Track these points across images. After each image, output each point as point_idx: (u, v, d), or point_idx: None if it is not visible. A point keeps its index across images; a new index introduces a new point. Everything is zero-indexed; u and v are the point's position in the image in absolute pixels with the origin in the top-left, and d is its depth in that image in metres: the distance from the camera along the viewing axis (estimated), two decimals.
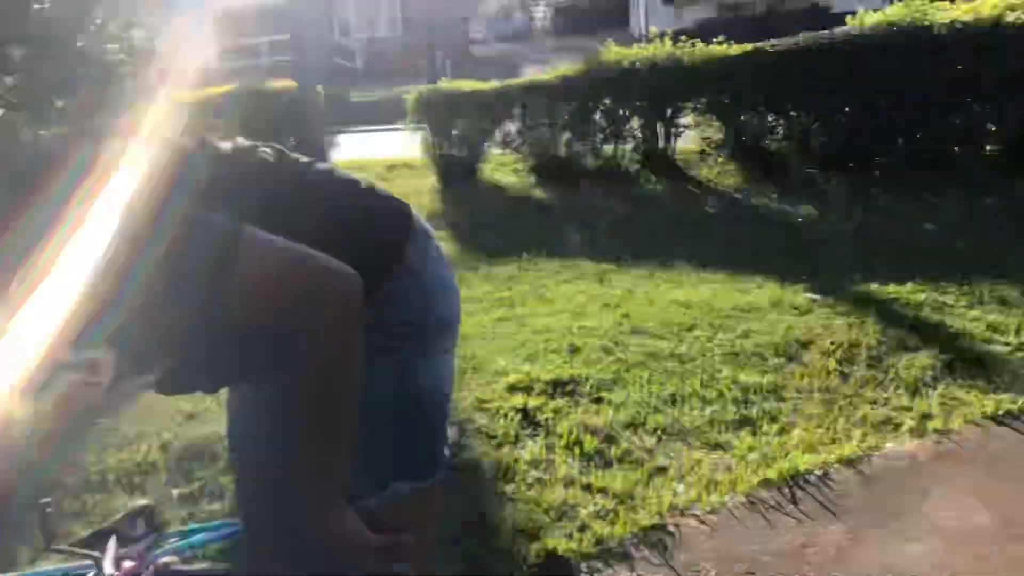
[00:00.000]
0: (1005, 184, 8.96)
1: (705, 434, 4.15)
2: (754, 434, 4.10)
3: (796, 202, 9.31)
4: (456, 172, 12.45)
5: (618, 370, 5.03)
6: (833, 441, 3.91)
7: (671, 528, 3.33)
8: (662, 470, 3.81)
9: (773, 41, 10.40)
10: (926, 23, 9.47)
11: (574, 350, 5.41)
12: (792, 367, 4.85)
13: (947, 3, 9.86)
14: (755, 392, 4.55)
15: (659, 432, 4.19)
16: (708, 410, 4.39)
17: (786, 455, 3.80)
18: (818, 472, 3.65)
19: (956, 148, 9.89)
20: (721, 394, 4.56)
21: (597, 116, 11.66)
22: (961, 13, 9.42)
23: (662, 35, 11.28)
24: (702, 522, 3.37)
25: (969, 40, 9.26)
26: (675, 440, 4.11)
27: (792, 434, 4.03)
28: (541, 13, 56.83)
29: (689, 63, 10.68)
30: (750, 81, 10.40)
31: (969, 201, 8.56)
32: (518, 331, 6.04)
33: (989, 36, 9.16)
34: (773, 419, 4.23)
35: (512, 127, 12.64)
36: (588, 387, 4.80)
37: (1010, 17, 9.10)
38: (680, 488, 3.63)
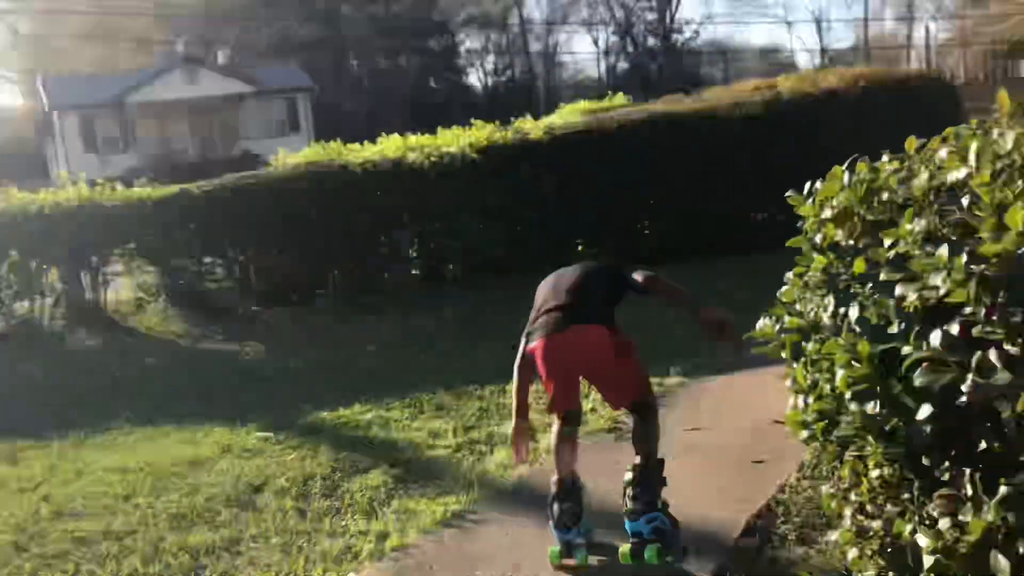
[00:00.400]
0: (431, 302, 9.92)
1: None
2: None
3: (244, 341, 9.09)
4: None
5: (33, 569, 4.08)
6: None
7: None
8: None
9: (200, 183, 10.27)
10: (342, 162, 10.24)
11: None
12: (247, 516, 4.44)
13: (358, 145, 10.85)
14: (207, 553, 4.04)
15: None
16: None
17: None
18: None
19: (386, 274, 10.74)
20: (168, 566, 3.95)
21: (3, 271, 10.14)
22: (371, 153, 10.41)
23: (74, 180, 10.40)
24: None
25: (381, 176, 10.24)
26: None
27: None
28: None
29: (110, 206, 9.96)
30: (179, 223, 10.09)
31: (404, 320, 9.25)
32: None
33: (392, 173, 10.25)
34: None
35: None
36: None
37: (410, 157, 10.30)
38: None
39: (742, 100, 10.66)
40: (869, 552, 1.61)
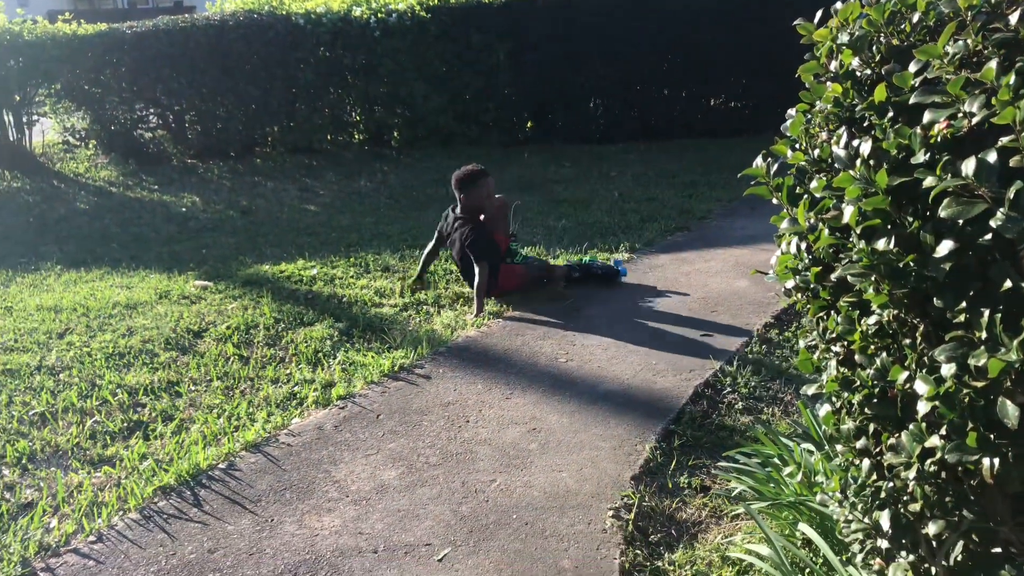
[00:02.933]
0: (373, 167, 9.67)
1: (86, 451, 3.43)
2: (147, 439, 3.52)
3: (179, 192, 8.73)
4: None
5: None
6: (236, 429, 3.54)
7: (40, 575, 2.60)
8: (28, 506, 3.01)
9: (130, 23, 9.62)
10: (283, 11, 9.68)
11: None
12: (187, 359, 4.35)
13: None
14: (146, 393, 3.96)
15: (23, 462, 3.34)
16: (89, 423, 3.66)
17: (185, 454, 3.31)
18: (223, 465, 3.24)
19: (328, 135, 10.37)
20: (105, 402, 3.86)
21: None
22: (314, 4, 9.85)
23: None
24: (86, 556, 2.70)
25: (325, 30, 9.72)
26: (47, 466, 3.31)
27: (191, 430, 3.55)
28: None
29: (32, 40, 9.28)
30: (109, 65, 9.49)
31: (346, 183, 9.01)
32: None
33: (336, 27, 9.75)
34: (168, 418, 3.69)
35: None
36: None
37: (356, 12, 9.79)
38: (53, 523, 2.89)
39: None
40: (851, 404, 1.61)
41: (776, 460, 2.63)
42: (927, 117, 1.35)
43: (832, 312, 1.69)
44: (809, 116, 1.72)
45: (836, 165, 1.50)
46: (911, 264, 1.34)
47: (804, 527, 2.31)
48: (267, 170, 9.62)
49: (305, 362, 4.26)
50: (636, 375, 3.96)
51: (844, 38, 1.55)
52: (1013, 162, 1.21)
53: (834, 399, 1.74)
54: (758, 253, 5.98)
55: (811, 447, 2.60)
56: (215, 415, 3.69)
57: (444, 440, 3.35)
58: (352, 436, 3.42)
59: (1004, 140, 1.23)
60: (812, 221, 1.61)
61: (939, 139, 1.33)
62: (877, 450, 1.63)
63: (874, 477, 1.61)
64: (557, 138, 10.71)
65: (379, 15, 9.84)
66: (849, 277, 1.46)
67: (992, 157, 1.22)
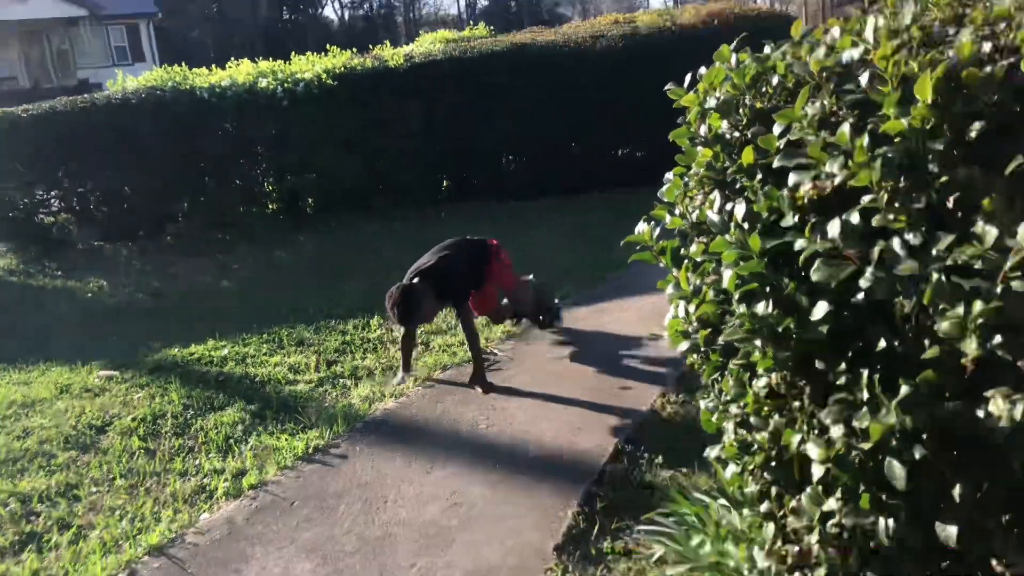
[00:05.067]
0: (287, 237, 9.51)
1: None
2: (40, 552, 3.28)
3: (84, 277, 8.42)
4: None
5: None
6: (140, 532, 3.34)
7: None
8: None
9: (25, 106, 9.34)
10: (187, 86, 9.54)
11: None
12: (88, 458, 4.11)
13: (205, 70, 10.11)
14: (41, 500, 3.71)
15: None
16: None
17: (81, 567, 3.10)
18: (123, 575, 3.04)
19: (240, 208, 10.19)
20: None
21: None
22: (219, 79, 9.74)
23: None
24: None
25: (231, 103, 9.61)
26: None
27: (90, 538, 3.33)
28: None
29: None
30: (5, 150, 9.17)
31: (260, 256, 8.82)
32: None
33: (242, 100, 9.66)
34: (65, 526, 3.46)
35: None
36: None
37: (262, 83, 9.72)
38: None
39: (601, 33, 10.60)
40: (752, 467, 1.57)
41: (695, 519, 2.58)
42: (792, 179, 1.34)
43: (725, 374, 1.66)
44: (686, 179, 1.72)
45: (711, 229, 1.48)
46: (791, 327, 1.31)
47: None
48: (179, 248, 9.37)
49: (215, 450, 4.07)
50: (557, 435, 3.89)
51: (711, 102, 1.55)
52: (875, 221, 1.20)
53: (735, 462, 1.70)
54: None
55: (728, 504, 2.56)
56: (117, 518, 3.47)
57: (361, 525, 3.22)
58: (264, 529, 3.25)
59: (865, 200, 1.23)
60: (696, 284, 1.59)
61: (806, 200, 1.32)
62: (781, 513, 1.60)
63: (779, 544, 1.56)
64: (474, 198, 10.73)
65: (286, 85, 9.77)
66: (735, 341, 1.43)
67: (855, 218, 1.21)
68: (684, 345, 1.75)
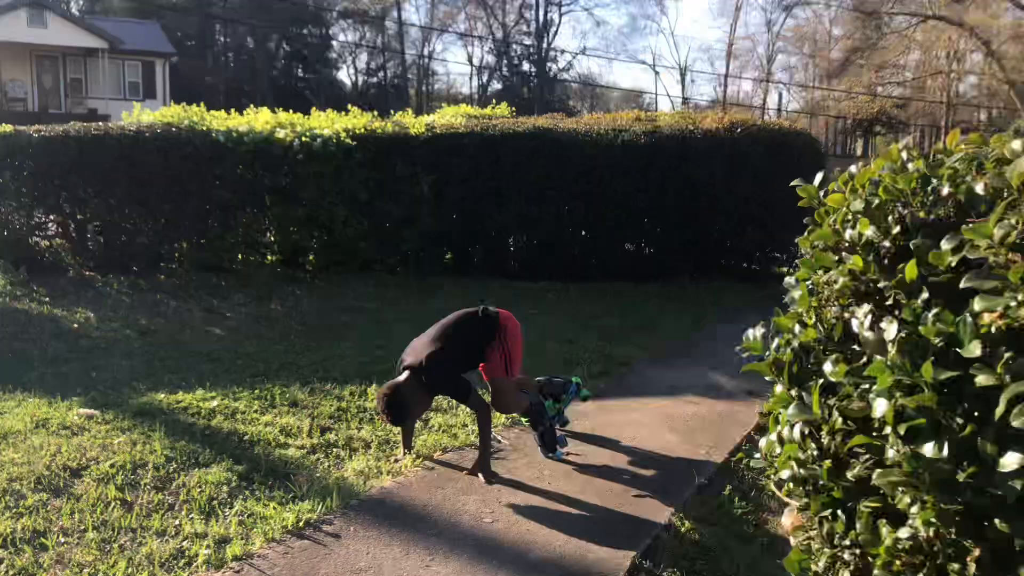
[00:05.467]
0: (284, 291, 9.29)
1: None
2: None
3: (72, 306, 8.14)
4: None
5: None
6: None
7: None
8: None
9: (38, 126, 9.20)
10: (204, 128, 9.45)
11: None
12: (59, 503, 3.81)
13: (223, 113, 10.05)
14: (4, 544, 3.40)
15: None
16: None
17: None
18: None
19: (240, 256, 10.00)
20: None
21: None
22: (237, 123, 9.67)
23: None
24: None
25: (246, 150, 9.52)
26: None
27: None
28: None
29: None
30: (11, 168, 9.00)
31: (254, 306, 8.59)
32: None
33: (258, 148, 9.58)
34: None
35: None
36: None
37: (279, 133, 9.66)
38: None
39: (624, 127, 10.68)
40: None
41: None
42: (979, 305, 1.17)
43: (838, 513, 1.46)
44: (812, 287, 1.55)
45: (863, 349, 1.30)
46: (969, 478, 1.13)
47: None
48: (172, 288, 9.13)
49: (197, 511, 3.78)
50: (568, 541, 3.64)
51: (858, 205, 1.40)
52: None
53: None
54: (683, 406, 5.83)
55: None
56: None
57: None
58: None
59: None
60: (826, 411, 1.40)
61: (993, 330, 1.15)
62: None
63: None
64: (476, 272, 10.60)
65: (304, 139, 9.71)
66: (879, 482, 1.24)
67: None
68: (787, 472, 1.55)
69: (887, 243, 1.39)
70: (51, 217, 9.60)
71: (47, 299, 8.40)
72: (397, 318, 8.21)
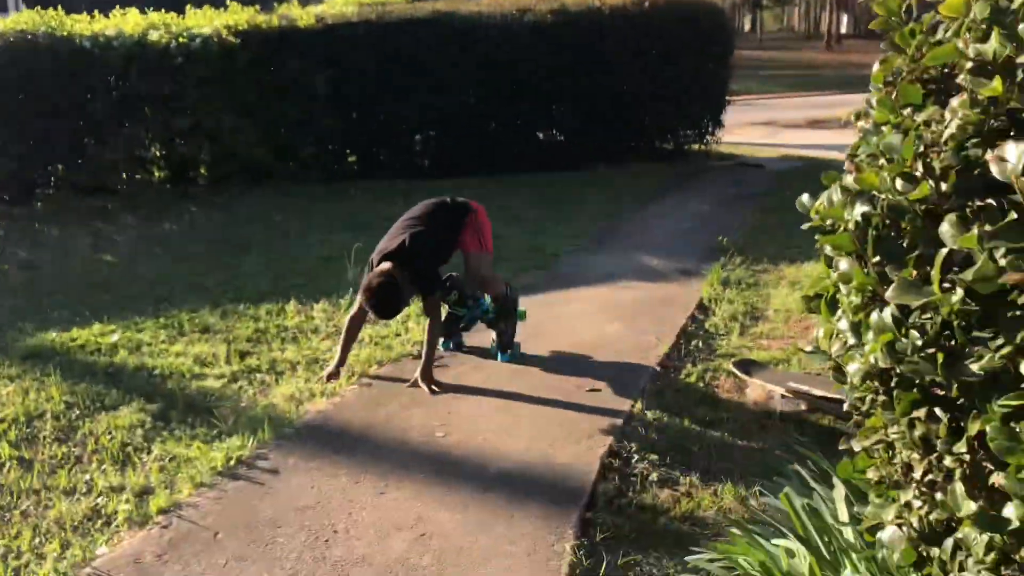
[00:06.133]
0: (176, 208, 8.57)
1: None
2: None
3: None
4: None
5: None
6: (18, 574, 2.60)
7: None
8: None
9: None
10: (66, 33, 8.44)
11: None
12: None
13: (86, 16, 9.00)
14: None
15: None
16: None
17: None
18: None
19: (124, 174, 9.17)
20: None
21: None
22: (104, 27, 8.68)
23: None
24: None
25: (117, 56, 8.59)
26: None
27: None
28: None
29: None
30: None
31: (145, 227, 7.88)
32: None
33: (130, 53, 8.66)
34: None
35: None
36: None
37: (152, 35, 8.73)
38: None
39: (528, 7, 10.07)
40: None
41: (753, 569, 2.10)
42: None
43: (937, 412, 1.16)
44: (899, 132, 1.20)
45: (1004, 202, 0.97)
46: None
47: None
48: (52, 215, 8.28)
49: (110, 461, 3.33)
50: (530, 447, 3.36)
51: (983, 9, 1.04)
52: None
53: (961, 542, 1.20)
54: (620, 291, 5.61)
55: (791, 544, 2.09)
56: None
57: (309, 564, 2.59)
58: (184, 569, 2.58)
59: None
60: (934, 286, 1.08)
61: None
62: None
63: None
64: (384, 174, 10.02)
65: (180, 40, 8.79)
66: None
67: None
68: (853, 367, 1.24)
69: None
70: None
71: None
72: (305, 228, 7.67)
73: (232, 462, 3.27)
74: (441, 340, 4.40)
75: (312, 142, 9.86)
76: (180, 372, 4.25)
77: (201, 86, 9.02)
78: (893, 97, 1.22)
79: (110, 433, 3.57)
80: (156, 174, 9.73)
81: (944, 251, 1.06)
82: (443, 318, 4.28)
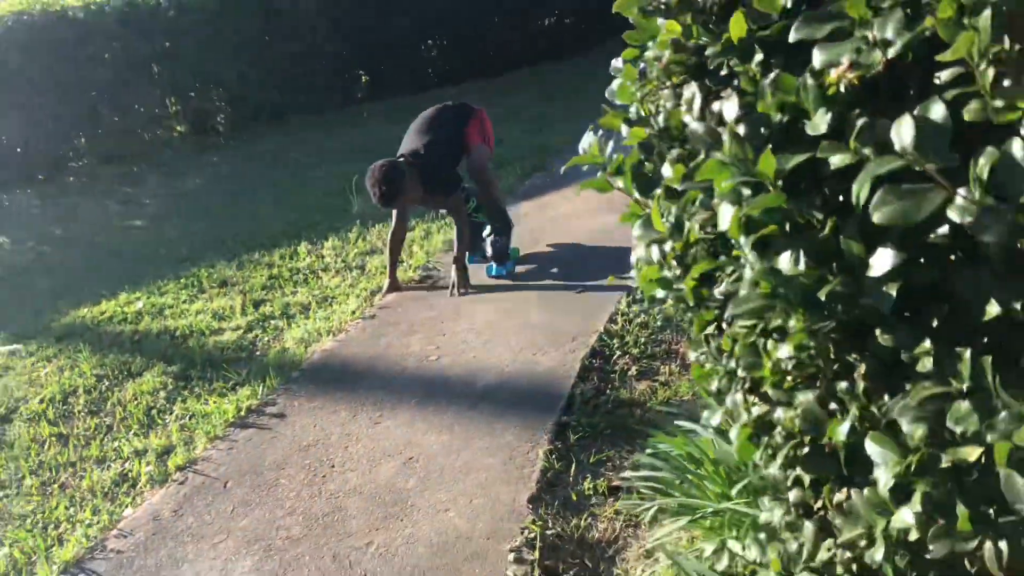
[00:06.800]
0: (198, 162, 8.77)
1: None
2: None
3: None
4: None
5: None
6: (55, 543, 2.90)
7: None
8: None
9: None
10: (59, 7, 8.54)
11: None
12: None
13: None
14: None
15: None
16: None
17: None
18: None
19: (145, 135, 9.38)
20: None
21: None
22: None
23: None
24: None
25: (110, 23, 8.67)
26: None
27: None
28: None
29: None
30: None
31: (171, 185, 8.11)
32: None
33: (123, 18, 8.71)
34: None
35: None
36: None
37: None
38: None
39: None
40: (773, 446, 1.16)
41: (690, 451, 2.21)
42: (819, 59, 0.87)
43: (724, 328, 1.23)
44: (643, 66, 1.23)
45: (694, 143, 1.01)
46: (837, 288, 0.87)
47: (733, 545, 1.90)
48: (82, 187, 8.59)
49: (136, 426, 3.60)
50: (515, 358, 3.50)
51: None
52: (969, 115, 0.74)
53: (753, 437, 1.29)
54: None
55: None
56: (27, 529, 3.02)
57: (306, 500, 2.81)
58: (196, 520, 2.83)
59: (945, 76, 0.77)
60: (673, 220, 1.13)
61: (842, 89, 0.85)
62: (819, 506, 1.20)
63: (827, 547, 1.17)
64: (392, 92, 9.99)
65: None
66: (746, 310, 0.99)
67: (939, 112, 0.75)
68: (661, 292, 1.31)
69: None
70: None
71: None
72: (319, 161, 7.79)
73: (243, 412, 3.50)
74: (494, 266, 4.51)
75: (319, 71, 9.86)
76: (199, 330, 4.49)
77: (197, 36, 9.06)
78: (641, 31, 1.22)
79: (136, 399, 3.84)
80: (177, 129, 9.91)
81: (660, 191, 1.10)
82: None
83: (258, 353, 4.10)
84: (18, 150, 9.02)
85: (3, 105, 8.57)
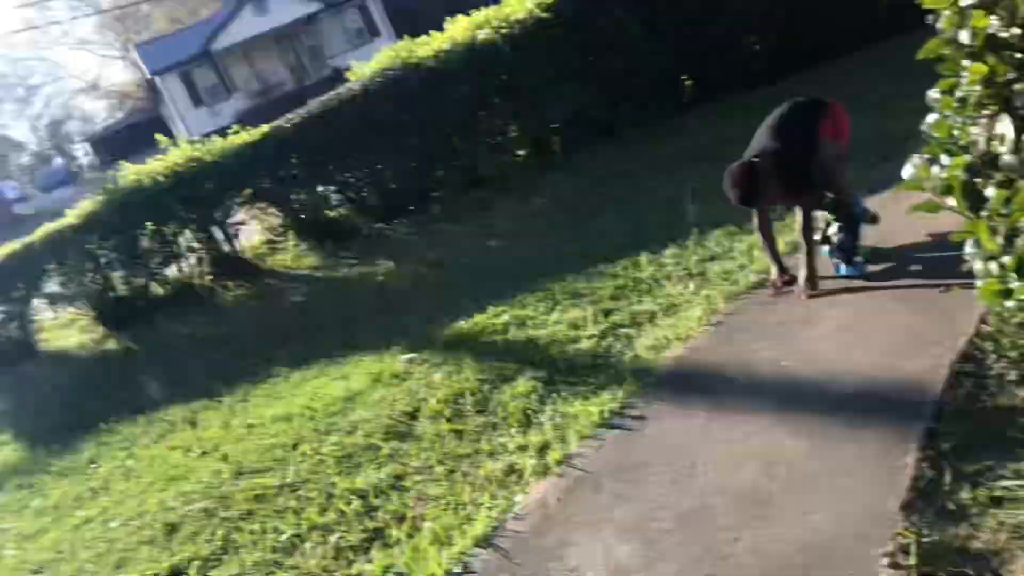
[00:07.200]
0: (540, 182, 9.47)
1: (333, 574, 3.49)
2: (386, 547, 3.53)
3: (374, 261, 9.03)
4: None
5: (225, 534, 4.22)
6: (465, 521, 3.46)
7: None
8: None
9: (288, 115, 10.11)
10: (414, 60, 9.73)
11: (172, 529, 4.52)
12: (406, 447, 4.37)
13: (426, 37, 10.23)
14: (377, 494, 4.00)
15: None
16: (333, 539, 3.74)
17: (422, 561, 3.27)
18: (457, 569, 3.17)
19: (495, 165, 10.36)
20: (343, 513, 3.94)
21: (144, 243, 10.71)
22: (440, 42, 9.82)
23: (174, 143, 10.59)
24: None
25: (455, 65, 9.67)
26: None
27: (423, 530, 3.51)
28: (80, 149, 52.31)
29: (212, 160, 10.01)
30: (281, 159, 10.03)
31: (517, 207, 8.90)
32: (103, 531, 4.93)
33: (465, 58, 9.67)
34: (400, 519, 3.70)
35: (54, 285, 11.31)
36: (194, 573, 3.97)
37: (480, 36, 9.66)
38: None
39: None
40: None
41: None
42: None
43: None
44: (959, 95, 1.30)
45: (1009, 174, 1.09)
46: None
47: None
48: (445, 215, 9.74)
49: (516, 425, 4.14)
50: (874, 363, 3.48)
51: None
52: None
53: None
54: None
55: None
56: (442, 507, 3.63)
57: (674, 497, 3.08)
58: (577, 509, 3.23)
59: None
60: (1002, 240, 1.19)
61: None
62: None
63: None
64: (718, 94, 9.99)
65: (503, 31, 9.62)
66: None
67: None
68: (1010, 303, 1.35)
69: (1019, 30, 1.10)
70: (329, 188, 10.60)
71: (354, 261, 9.42)
72: (653, 170, 8.09)
73: (606, 414, 3.87)
74: (843, 266, 4.44)
75: (643, 82, 10.17)
76: (558, 339, 4.98)
77: (533, 66, 9.82)
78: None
79: (513, 400, 4.38)
80: (518, 154, 10.81)
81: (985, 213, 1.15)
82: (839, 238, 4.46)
83: (613, 359, 4.47)
84: (392, 185, 10.45)
85: (381, 148, 10.01)
